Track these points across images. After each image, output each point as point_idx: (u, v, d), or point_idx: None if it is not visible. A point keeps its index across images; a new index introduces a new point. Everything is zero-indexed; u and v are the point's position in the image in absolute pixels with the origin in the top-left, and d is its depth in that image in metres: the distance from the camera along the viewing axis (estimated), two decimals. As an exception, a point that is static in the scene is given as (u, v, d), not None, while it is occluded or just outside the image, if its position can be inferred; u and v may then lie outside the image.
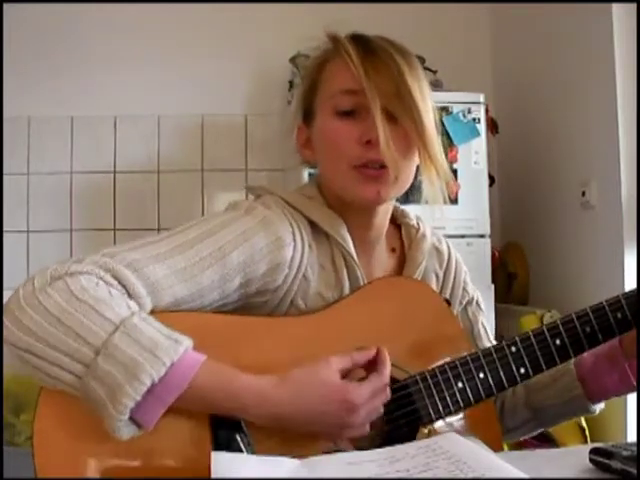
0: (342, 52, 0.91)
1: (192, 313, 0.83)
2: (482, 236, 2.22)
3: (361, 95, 0.88)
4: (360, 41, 0.92)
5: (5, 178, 2.48)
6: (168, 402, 0.71)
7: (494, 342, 1.08)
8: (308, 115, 0.98)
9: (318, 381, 0.78)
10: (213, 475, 0.64)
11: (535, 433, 1.07)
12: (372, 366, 0.83)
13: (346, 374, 0.81)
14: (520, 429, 1.06)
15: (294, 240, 0.88)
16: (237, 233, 0.85)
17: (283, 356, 0.83)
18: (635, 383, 0.94)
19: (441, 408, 0.86)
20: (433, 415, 0.86)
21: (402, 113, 0.88)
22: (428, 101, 0.92)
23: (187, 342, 0.73)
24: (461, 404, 0.86)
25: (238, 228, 0.86)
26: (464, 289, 1.06)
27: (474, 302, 1.08)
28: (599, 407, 1.01)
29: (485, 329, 1.08)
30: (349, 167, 0.90)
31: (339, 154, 0.91)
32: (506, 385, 0.88)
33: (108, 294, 0.74)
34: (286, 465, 0.68)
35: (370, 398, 0.79)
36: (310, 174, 2.07)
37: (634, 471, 0.66)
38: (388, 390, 0.82)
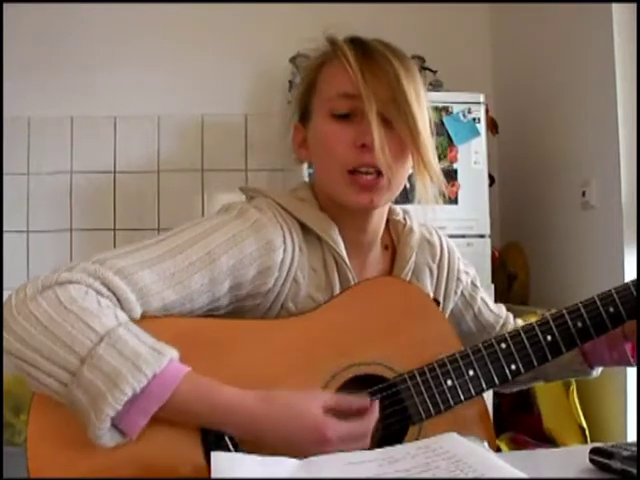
0: (340, 55, 0.91)
1: (181, 318, 0.83)
2: (482, 236, 2.22)
3: (357, 99, 0.88)
4: (358, 44, 0.92)
5: (5, 178, 2.48)
6: (150, 412, 0.72)
7: (496, 310, 1.12)
8: (305, 115, 0.98)
9: (299, 407, 0.77)
10: (213, 475, 0.64)
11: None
12: (360, 414, 0.81)
13: (333, 412, 0.78)
14: (522, 384, 1.10)
15: (284, 243, 0.89)
16: (227, 237, 0.85)
17: (272, 359, 0.83)
18: (634, 362, 0.96)
19: (430, 407, 0.86)
20: (423, 414, 0.86)
21: (397, 119, 0.89)
22: (424, 106, 0.92)
23: (171, 353, 0.73)
24: (451, 402, 0.86)
25: (228, 232, 0.86)
26: (458, 278, 1.07)
27: (469, 285, 1.09)
28: (597, 372, 1.05)
29: (485, 302, 1.10)
30: (343, 171, 0.90)
31: (333, 157, 0.91)
32: (497, 382, 0.89)
33: (96, 304, 0.75)
34: (286, 465, 0.68)
35: (346, 439, 0.77)
36: (310, 174, 2.07)
37: (634, 471, 0.66)
38: (367, 440, 0.79)
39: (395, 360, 0.87)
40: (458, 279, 1.07)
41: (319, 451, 0.76)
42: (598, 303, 0.90)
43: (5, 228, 2.47)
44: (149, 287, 0.79)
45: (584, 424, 1.94)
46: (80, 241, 2.59)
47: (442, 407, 0.86)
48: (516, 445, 2.01)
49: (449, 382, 0.86)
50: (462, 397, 0.87)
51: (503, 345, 0.89)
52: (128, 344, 0.72)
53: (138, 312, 0.79)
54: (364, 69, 0.89)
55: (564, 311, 0.91)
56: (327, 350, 0.85)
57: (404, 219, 1.04)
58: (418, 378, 0.86)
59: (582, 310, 0.90)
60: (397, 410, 0.86)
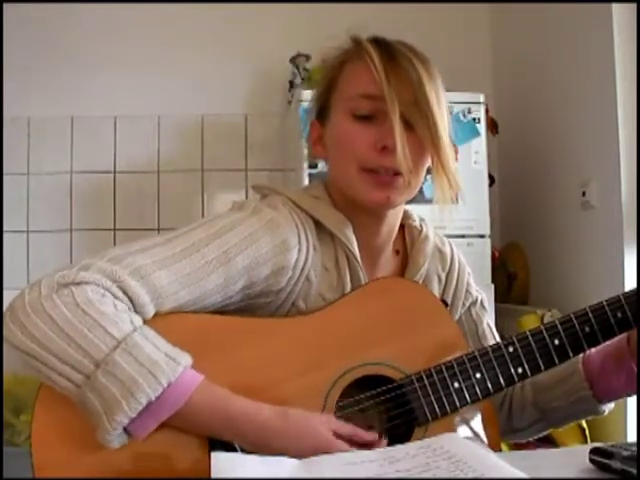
0: (364, 55, 0.90)
1: (191, 315, 0.83)
2: (482, 236, 2.22)
3: (380, 100, 0.88)
4: (382, 45, 0.92)
5: (5, 178, 2.48)
6: (161, 419, 0.72)
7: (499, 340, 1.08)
8: (323, 112, 0.97)
9: (311, 427, 0.77)
10: (213, 475, 0.64)
11: (545, 433, 1.06)
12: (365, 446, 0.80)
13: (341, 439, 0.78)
14: (528, 429, 1.05)
15: (299, 242, 0.88)
16: (242, 236, 0.85)
17: (280, 357, 0.83)
18: None
19: (437, 408, 0.85)
20: (429, 415, 0.85)
21: (419, 122, 0.88)
22: (444, 110, 0.92)
23: (186, 361, 0.74)
24: (457, 404, 0.86)
25: (244, 231, 0.85)
26: (467, 291, 1.06)
27: (478, 303, 1.07)
28: (608, 408, 1.00)
29: (490, 329, 1.08)
30: (359, 169, 0.90)
31: (352, 155, 0.90)
32: (503, 385, 0.88)
33: (113, 308, 0.74)
34: (286, 465, 0.68)
35: None
36: (310, 174, 2.07)
37: (634, 471, 0.65)
38: None
39: (402, 361, 0.87)
40: (468, 292, 1.05)
41: None
42: (606, 308, 0.89)
43: (5, 228, 2.47)
44: (165, 288, 0.79)
45: (584, 424, 1.94)
46: (80, 241, 2.59)
47: (448, 409, 0.86)
48: (516, 445, 2.01)
49: (456, 384, 0.86)
50: (469, 399, 0.86)
51: (510, 348, 0.88)
52: (144, 351, 0.72)
53: (151, 313, 0.79)
54: (388, 71, 0.88)
55: (572, 315, 0.90)
56: (335, 349, 0.85)
57: (420, 226, 1.04)
58: (425, 380, 0.86)
59: (590, 315, 0.89)
60: (403, 411, 0.86)
